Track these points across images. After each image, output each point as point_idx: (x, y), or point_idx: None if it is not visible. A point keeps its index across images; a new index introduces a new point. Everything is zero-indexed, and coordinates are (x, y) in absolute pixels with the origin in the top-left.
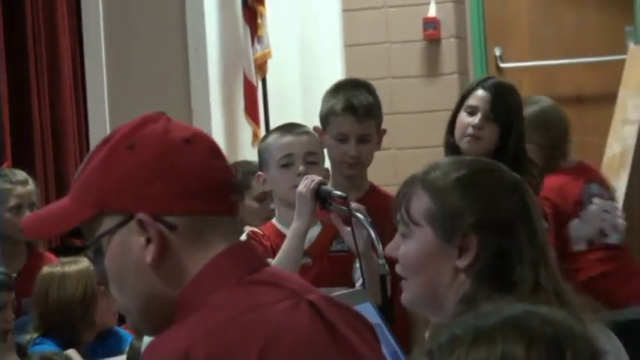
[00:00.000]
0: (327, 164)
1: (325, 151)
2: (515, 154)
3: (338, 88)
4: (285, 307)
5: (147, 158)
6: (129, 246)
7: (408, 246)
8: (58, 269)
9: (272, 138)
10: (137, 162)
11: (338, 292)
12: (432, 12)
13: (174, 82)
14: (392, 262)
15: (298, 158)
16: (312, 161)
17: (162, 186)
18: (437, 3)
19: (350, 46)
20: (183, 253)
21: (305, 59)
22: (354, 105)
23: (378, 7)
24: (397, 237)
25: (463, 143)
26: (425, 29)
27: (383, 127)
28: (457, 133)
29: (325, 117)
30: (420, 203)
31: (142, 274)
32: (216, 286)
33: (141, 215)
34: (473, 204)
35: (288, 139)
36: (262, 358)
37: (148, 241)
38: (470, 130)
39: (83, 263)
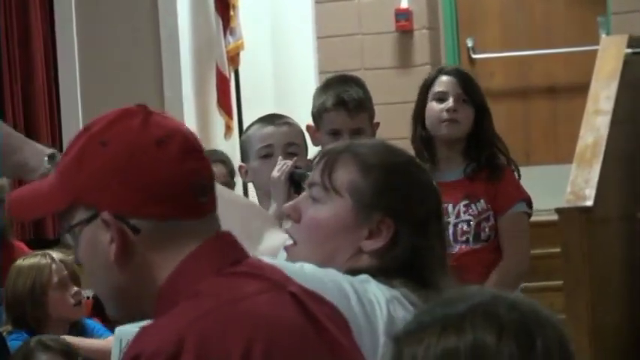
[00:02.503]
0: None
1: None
2: (490, 138)
3: (327, 85)
4: (268, 298)
5: (116, 157)
6: (97, 241)
7: (319, 211)
8: (18, 262)
9: (253, 129)
10: (106, 160)
11: None
12: (405, 3)
13: (146, 74)
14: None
15: (278, 149)
16: (293, 152)
17: (128, 188)
18: None
19: (322, 37)
20: (149, 254)
21: (277, 51)
22: (345, 99)
23: None
24: (301, 198)
25: (442, 129)
26: (397, 20)
27: None
28: (431, 122)
29: (317, 114)
30: (347, 174)
31: (108, 269)
32: (197, 277)
33: (104, 214)
34: (399, 192)
35: (268, 129)
36: (251, 346)
37: (112, 239)
38: (445, 115)
39: (37, 257)
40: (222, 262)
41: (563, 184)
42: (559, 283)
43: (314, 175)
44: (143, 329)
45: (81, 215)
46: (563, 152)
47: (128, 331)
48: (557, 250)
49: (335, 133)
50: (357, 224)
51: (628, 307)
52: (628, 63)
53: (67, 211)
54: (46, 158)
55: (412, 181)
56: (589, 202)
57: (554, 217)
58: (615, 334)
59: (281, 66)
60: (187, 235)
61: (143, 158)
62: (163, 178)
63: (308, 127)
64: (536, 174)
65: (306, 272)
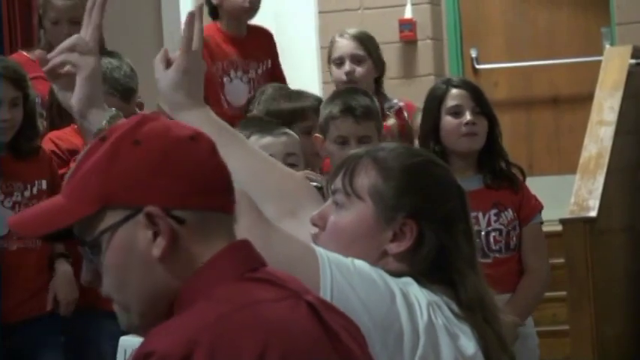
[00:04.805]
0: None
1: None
2: (500, 146)
3: (335, 95)
4: (286, 306)
5: (155, 152)
6: (134, 241)
7: (342, 216)
8: None
9: (251, 140)
10: (145, 156)
11: None
12: (408, 13)
13: (149, 75)
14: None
15: (278, 159)
16: (292, 163)
17: (171, 180)
18: (413, 4)
19: (326, 47)
20: (190, 247)
21: (281, 60)
22: (352, 106)
23: (354, 9)
24: (327, 206)
25: (462, 143)
26: (401, 31)
27: None
28: (449, 137)
29: (324, 123)
30: (367, 178)
31: (146, 269)
32: (217, 280)
33: (150, 208)
34: (420, 192)
35: (267, 140)
36: (265, 352)
37: (155, 235)
38: (464, 129)
39: None
40: (243, 268)
41: (567, 195)
42: (563, 293)
43: (336, 182)
44: (156, 328)
45: (115, 217)
46: (566, 163)
47: (132, 341)
48: (561, 260)
49: (343, 142)
50: (381, 227)
51: (632, 318)
52: (632, 74)
53: (92, 218)
54: (104, 122)
55: (432, 180)
56: (593, 213)
57: (558, 227)
58: (619, 344)
59: (285, 75)
60: (221, 231)
61: (181, 151)
62: (204, 170)
63: (315, 138)
64: (540, 185)
65: (356, 268)
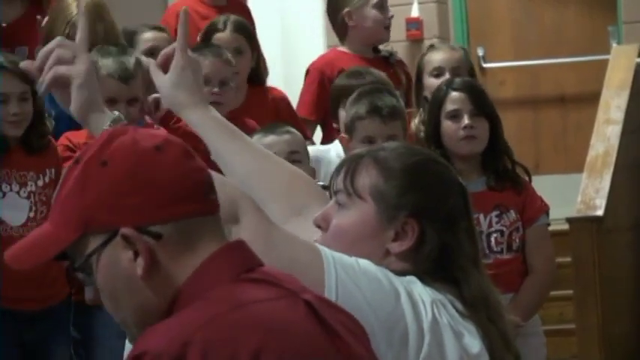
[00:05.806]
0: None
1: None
2: (503, 146)
3: (360, 95)
4: (283, 305)
5: (121, 172)
6: (118, 262)
7: (344, 217)
8: None
9: (254, 139)
10: (112, 177)
11: None
12: (415, 12)
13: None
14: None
15: (281, 157)
16: (296, 159)
17: (141, 197)
18: (420, 3)
19: (333, 46)
20: (172, 260)
21: (287, 61)
22: (379, 106)
23: None
24: (329, 206)
25: (461, 147)
26: (408, 29)
27: None
28: (449, 141)
29: (351, 123)
30: (369, 178)
31: (134, 287)
32: (213, 282)
33: (124, 230)
34: (421, 191)
35: (270, 139)
36: (260, 352)
37: (136, 254)
38: (462, 133)
39: None
40: (239, 269)
41: (574, 194)
42: (569, 292)
43: (338, 182)
44: (152, 328)
45: (96, 241)
46: (573, 161)
47: None
48: (568, 259)
49: (369, 141)
50: (382, 227)
51: (638, 316)
52: (639, 72)
53: (78, 243)
54: (106, 126)
55: (434, 178)
56: (600, 212)
57: (565, 226)
58: (626, 343)
59: (290, 74)
60: (204, 234)
61: (148, 164)
62: (172, 179)
63: (341, 139)
64: (546, 183)
65: (360, 267)
